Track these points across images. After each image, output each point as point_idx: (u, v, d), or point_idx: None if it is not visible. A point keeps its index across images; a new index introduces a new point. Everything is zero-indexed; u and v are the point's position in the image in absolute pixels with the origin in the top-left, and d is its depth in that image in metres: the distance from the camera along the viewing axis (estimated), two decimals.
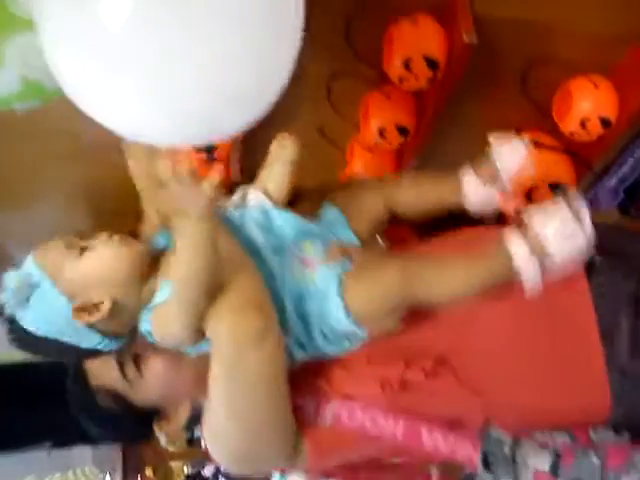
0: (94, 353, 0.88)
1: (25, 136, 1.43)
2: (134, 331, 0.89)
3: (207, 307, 0.82)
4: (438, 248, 1.02)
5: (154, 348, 0.90)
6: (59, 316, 0.84)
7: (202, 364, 0.86)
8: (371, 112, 1.46)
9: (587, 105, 1.39)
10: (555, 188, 1.51)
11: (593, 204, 1.70)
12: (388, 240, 1.06)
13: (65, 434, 2.29)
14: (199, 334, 0.83)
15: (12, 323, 0.84)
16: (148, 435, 0.97)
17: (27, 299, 0.83)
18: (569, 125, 1.41)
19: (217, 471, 4.23)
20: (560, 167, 1.53)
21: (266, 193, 0.98)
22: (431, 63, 1.28)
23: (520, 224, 0.89)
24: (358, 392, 0.90)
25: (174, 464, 4.71)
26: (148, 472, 4.47)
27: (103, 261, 0.86)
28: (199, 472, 4.42)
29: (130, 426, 0.98)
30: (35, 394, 2.28)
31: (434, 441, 0.89)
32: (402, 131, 1.47)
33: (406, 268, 0.88)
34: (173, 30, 0.61)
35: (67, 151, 1.54)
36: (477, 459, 0.89)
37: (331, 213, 1.00)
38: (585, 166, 1.54)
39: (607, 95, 1.39)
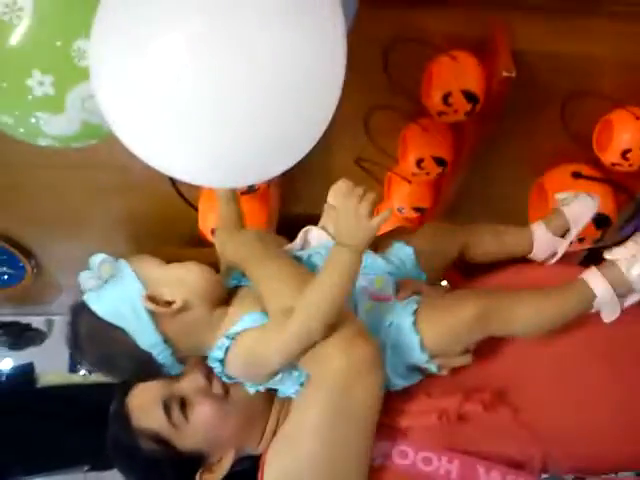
0: (146, 362, 0.86)
1: (77, 169, 1.48)
2: (185, 361, 0.90)
3: (321, 337, 0.81)
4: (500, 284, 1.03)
5: (204, 393, 0.91)
6: (129, 302, 0.84)
7: (248, 410, 0.87)
8: (409, 144, 1.47)
9: (628, 136, 1.38)
10: (596, 218, 1.50)
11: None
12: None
13: (104, 458, 2.33)
14: (287, 367, 0.84)
15: (82, 306, 0.86)
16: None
17: (105, 281, 0.85)
18: (610, 156, 1.40)
19: None
20: (602, 198, 1.51)
21: (327, 232, 1.01)
22: (470, 97, 1.29)
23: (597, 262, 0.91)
24: (415, 424, 0.89)
25: None
26: None
27: (187, 270, 0.89)
28: None
29: (170, 473, 0.96)
30: (75, 416, 2.32)
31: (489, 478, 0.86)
32: (440, 162, 1.47)
33: (483, 303, 0.88)
34: (224, 78, 0.63)
35: (115, 183, 1.58)
36: None
37: (403, 252, 1.01)
38: (627, 196, 1.52)
39: None
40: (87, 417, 2.26)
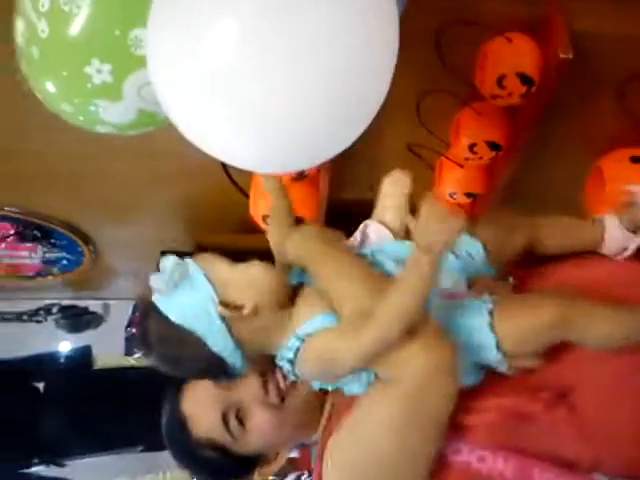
0: (215, 364, 0.88)
1: (133, 156, 1.51)
2: (252, 361, 0.91)
3: (399, 342, 0.81)
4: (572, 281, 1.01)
5: (260, 402, 0.93)
6: (200, 305, 0.85)
7: (303, 413, 0.90)
8: (462, 128, 1.45)
9: None
10: None
11: None
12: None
13: (157, 439, 2.39)
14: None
15: (152, 308, 0.86)
16: (248, 475, 1.00)
17: (176, 285, 0.85)
18: None
19: (299, 478, 4.28)
20: None
21: (385, 226, 1.01)
22: (525, 79, 1.26)
23: None
24: (476, 422, 0.88)
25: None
26: None
27: (255, 271, 0.89)
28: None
29: (230, 471, 1.00)
30: (130, 398, 2.38)
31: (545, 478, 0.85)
32: (493, 146, 1.45)
33: (564, 308, 0.86)
34: (277, 62, 0.63)
35: (170, 171, 1.61)
36: None
37: (471, 246, 1.00)
38: None
39: None
40: (141, 399, 2.32)
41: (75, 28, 0.83)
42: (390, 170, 1.68)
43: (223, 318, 0.85)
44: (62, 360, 2.68)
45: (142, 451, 2.57)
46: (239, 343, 0.87)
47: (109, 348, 2.63)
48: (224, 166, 1.48)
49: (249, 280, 0.88)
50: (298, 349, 0.86)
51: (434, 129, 1.50)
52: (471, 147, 1.44)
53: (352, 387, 0.89)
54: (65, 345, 2.76)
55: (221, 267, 0.89)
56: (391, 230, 0.99)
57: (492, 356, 0.88)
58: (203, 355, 0.86)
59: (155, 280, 0.86)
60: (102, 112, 0.90)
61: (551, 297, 0.90)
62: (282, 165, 0.79)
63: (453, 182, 1.59)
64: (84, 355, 2.64)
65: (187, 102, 0.71)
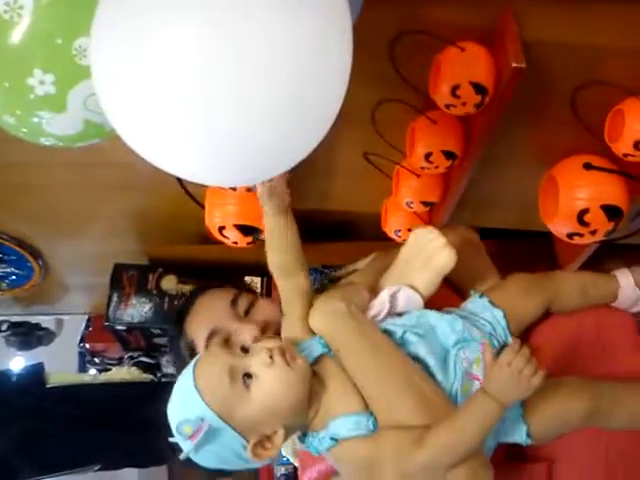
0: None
1: (82, 167, 1.48)
2: None
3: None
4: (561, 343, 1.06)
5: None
6: (233, 454, 0.85)
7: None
8: (417, 137, 1.45)
9: None
10: (608, 210, 1.47)
11: None
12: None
13: (114, 458, 2.33)
14: None
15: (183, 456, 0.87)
16: None
17: (201, 444, 0.83)
18: (622, 147, 1.38)
19: None
20: (613, 189, 1.49)
21: (416, 291, 1.01)
22: (479, 89, 1.26)
23: None
24: None
25: None
26: None
27: (273, 393, 0.85)
28: None
29: None
30: (85, 415, 2.32)
31: None
32: (449, 155, 1.45)
33: (598, 399, 0.89)
34: (223, 71, 0.62)
35: (121, 182, 1.57)
36: None
37: (492, 315, 1.00)
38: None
39: None
40: (97, 416, 2.27)
41: (16, 37, 0.80)
42: (346, 180, 1.69)
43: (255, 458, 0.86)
44: (14, 379, 2.60)
45: (99, 470, 2.50)
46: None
47: (62, 364, 2.57)
48: (178, 177, 1.46)
49: (271, 408, 0.85)
50: (330, 447, 0.86)
51: (390, 138, 1.49)
52: (427, 156, 1.44)
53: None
54: (18, 362, 2.69)
55: (239, 407, 0.85)
56: (420, 294, 1.00)
57: (520, 440, 0.91)
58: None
59: (180, 442, 0.86)
60: (46, 124, 0.87)
61: (587, 385, 0.93)
62: (234, 178, 0.77)
63: (410, 191, 1.59)
64: (37, 372, 2.56)
65: (133, 113, 0.68)
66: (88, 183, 1.61)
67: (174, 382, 2.50)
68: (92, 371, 2.51)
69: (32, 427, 2.28)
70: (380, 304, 0.99)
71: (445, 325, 0.94)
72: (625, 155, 1.40)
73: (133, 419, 2.29)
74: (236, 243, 1.46)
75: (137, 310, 1.93)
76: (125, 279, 1.92)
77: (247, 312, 1.14)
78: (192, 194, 1.49)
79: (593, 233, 1.48)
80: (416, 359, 0.91)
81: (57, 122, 0.86)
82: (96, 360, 2.51)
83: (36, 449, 2.29)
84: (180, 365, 1.12)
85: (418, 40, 1.30)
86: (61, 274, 2.01)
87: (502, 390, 0.79)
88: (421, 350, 0.91)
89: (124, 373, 2.43)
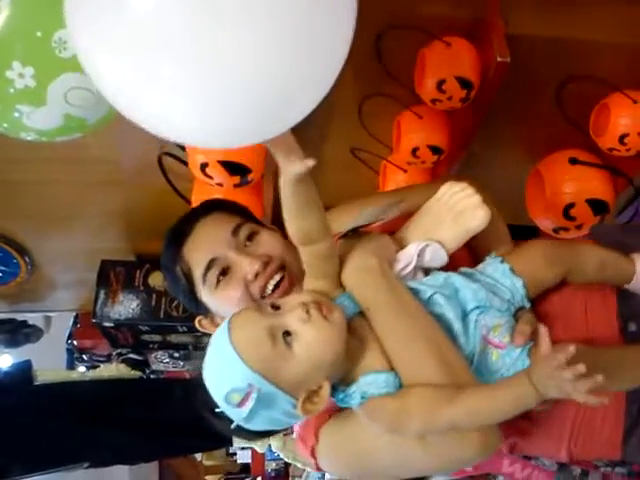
0: None
1: (68, 163, 1.47)
2: None
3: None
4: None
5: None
6: (283, 414, 0.84)
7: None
8: (403, 132, 1.45)
9: (625, 121, 1.36)
10: (593, 204, 1.48)
11: (634, 219, 1.67)
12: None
13: (103, 455, 2.32)
14: None
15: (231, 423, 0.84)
16: None
17: (250, 410, 0.81)
18: (607, 141, 1.39)
19: None
20: (599, 183, 1.50)
21: (442, 246, 0.99)
22: (464, 83, 1.27)
23: None
24: None
25: (209, 478, 4.74)
26: None
27: (316, 348, 0.83)
28: None
29: None
30: (73, 413, 2.31)
31: (512, 469, 0.96)
32: (435, 150, 1.46)
33: (601, 364, 0.86)
34: (212, 25, 0.59)
35: (107, 178, 1.56)
36: None
37: (512, 282, 0.98)
38: (625, 181, 1.51)
39: None
40: (85, 414, 2.26)
41: None
42: (333, 175, 1.69)
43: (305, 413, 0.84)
44: (1, 376, 2.59)
45: (88, 467, 2.49)
46: None
47: (50, 362, 2.55)
48: (164, 171, 1.45)
49: (314, 365, 0.83)
50: (359, 404, 0.86)
51: (377, 133, 1.50)
52: (413, 151, 1.45)
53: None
54: (5, 360, 2.67)
55: (284, 367, 0.82)
56: (447, 253, 0.98)
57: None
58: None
59: (229, 412, 0.83)
60: (26, 118, 0.86)
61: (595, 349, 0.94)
62: (226, 137, 0.73)
63: (397, 186, 1.59)
64: (24, 370, 2.55)
65: (117, 65, 0.64)
66: (75, 180, 1.60)
67: (163, 379, 2.46)
68: (81, 368, 2.49)
69: (20, 425, 2.27)
70: (407, 258, 0.96)
71: (469, 291, 0.93)
72: (610, 150, 1.41)
73: (122, 416, 2.28)
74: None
75: (124, 307, 1.92)
76: (112, 276, 1.91)
77: (249, 241, 1.06)
78: (179, 189, 1.49)
79: (579, 227, 1.49)
80: (440, 321, 0.91)
81: (37, 116, 0.85)
82: (84, 357, 2.49)
83: (24, 447, 2.27)
84: (176, 291, 1.10)
85: (404, 35, 1.30)
86: (48, 271, 2.00)
87: (545, 384, 0.78)
88: (449, 314, 0.91)
89: (112, 370, 2.42)
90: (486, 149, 1.49)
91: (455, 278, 0.94)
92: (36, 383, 2.49)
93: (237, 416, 0.82)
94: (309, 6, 0.65)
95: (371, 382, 0.85)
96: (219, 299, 1.05)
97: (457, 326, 0.90)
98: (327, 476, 2.46)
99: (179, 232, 1.09)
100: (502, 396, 0.81)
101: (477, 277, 0.97)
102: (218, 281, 1.03)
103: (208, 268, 1.02)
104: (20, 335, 2.39)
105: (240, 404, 0.80)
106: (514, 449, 1.01)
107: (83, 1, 0.65)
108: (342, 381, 0.87)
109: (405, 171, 1.55)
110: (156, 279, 1.91)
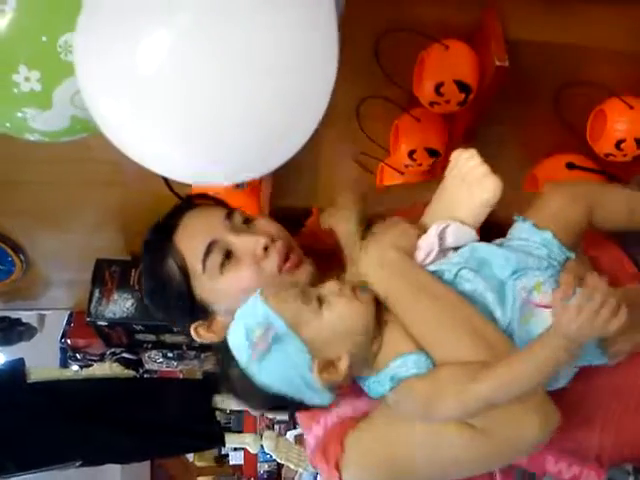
0: (310, 407, 0.86)
1: (67, 162, 1.46)
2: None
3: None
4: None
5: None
6: (297, 372, 0.80)
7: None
8: (401, 135, 1.45)
9: (622, 126, 1.37)
10: None
11: None
12: None
13: (96, 453, 2.32)
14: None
15: (236, 366, 0.81)
16: None
17: (265, 350, 0.79)
18: (604, 147, 1.39)
19: None
20: None
21: (467, 225, 0.93)
22: (463, 87, 1.27)
23: None
24: None
25: (201, 479, 4.73)
26: None
27: (344, 317, 0.82)
28: None
29: None
30: (66, 411, 2.30)
31: (558, 468, 0.89)
32: (432, 153, 1.46)
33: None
34: (209, 72, 0.61)
35: (105, 178, 1.56)
36: None
37: (540, 238, 0.91)
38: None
39: None
40: (78, 412, 2.26)
41: (0, 34, 0.79)
42: (331, 177, 1.69)
43: (319, 380, 0.81)
44: None
45: (80, 466, 2.49)
46: (332, 389, 0.83)
47: (44, 360, 2.55)
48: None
49: (340, 332, 0.81)
50: (391, 388, 0.83)
51: (374, 136, 1.50)
52: (410, 154, 1.45)
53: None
54: None
55: (310, 321, 0.81)
56: (471, 227, 0.91)
57: (597, 360, 0.86)
58: (294, 407, 0.85)
59: (237, 347, 0.81)
60: (31, 120, 0.86)
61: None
62: (220, 177, 0.77)
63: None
64: (17, 368, 2.54)
65: (118, 110, 0.68)
66: (71, 179, 1.60)
67: (156, 378, 2.46)
68: (74, 367, 2.49)
69: (12, 423, 2.26)
70: (428, 245, 0.90)
71: (499, 258, 0.87)
72: (607, 155, 1.41)
73: (114, 415, 2.28)
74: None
75: (119, 306, 1.92)
76: (107, 275, 1.91)
77: (245, 224, 0.99)
78: (177, 192, 1.49)
79: None
80: (472, 297, 0.85)
81: (43, 118, 0.85)
82: (78, 356, 2.49)
83: (17, 445, 2.27)
84: (164, 297, 0.97)
85: (403, 37, 1.30)
86: (43, 269, 1.99)
87: (575, 330, 0.71)
88: (479, 286, 0.85)
89: (106, 369, 2.42)
90: (483, 153, 1.49)
91: (481, 249, 0.89)
92: (29, 381, 2.49)
93: (251, 356, 0.79)
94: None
95: (400, 365, 0.82)
96: (226, 284, 0.94)
97: (491, 298, 0.85)
98: (319, 478, 2.47)
99: (165, 226, 1.00)
100: (534, 356, 0.75)
101: (506, 243, 0.92)
102: (222, 265, 0.93)
103: (208, 252, 0.92)
104: (13, 333, 2.39)
105: (258, 342, 0.78)
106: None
107: (94, 50, 0.67)
108: (375, 368, 0.84)
109: (402, 174, 1.55)
110: None
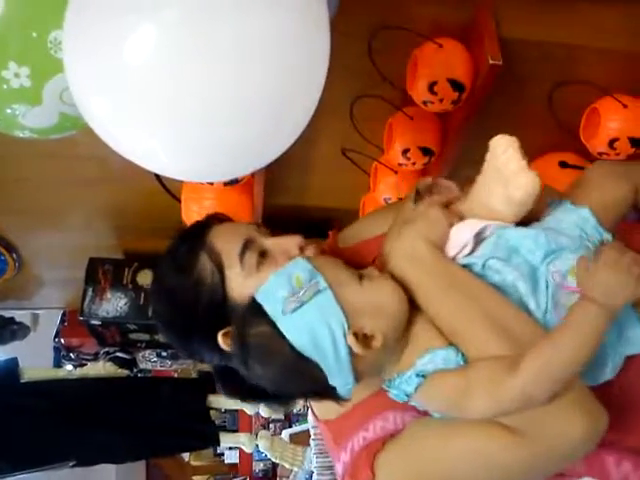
0: (327, 394, 0.78)
1: (58, 159, 1.45)
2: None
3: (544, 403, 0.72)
4: None
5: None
6: (329, 332, 0.74)
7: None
8: (395, 133, 1.45)
9: (615, 125, 1.37)
10: None
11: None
12: None
13: (89, 453, 2.31)
14: None
15: (264, 320, 0.75)
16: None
17: (304, 302, 0.74)
18: (598, 145, 1.39)
19: None
20: None
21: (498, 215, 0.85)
22: (456, 86, 1.27)
23: None
24: None
25: (197, 478, 4.72)
26: None
27: (384, 293, 0.78)
28: None
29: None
30: (59, 411, 2.29)
31: (623, 472, 0.81)
32: (426, 152, 1.46)
33: None
34: (197, 68, 0.61)
35: (97, 175, 1.55)
36: None
37: (577, 216, 0.85)
38: None
39: (636, 114, 1.37)
40: (72, 412, 2.25)
41: None
42: (324, 175, 1.69)
43: (350, 350, 0.74)
44: None
45: (74, 466, 2.48)
46: (357, 375, 0.77)
47: (37, 360, 2.53)
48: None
49: (377, 306, 0.77)
50: (419, 385, 0.77)
51: (368, 134, 1.49)
52: (404, 152, 1.45)
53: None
54: None
55: (351, 285, 0.77)
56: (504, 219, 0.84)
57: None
58: (313, 384, 0.76)
59: (279, 288, 0.75)
60: (21, 116, 0.85)
61: None
62: (207, 175, 0.76)
63: (387, 187, 1.59)
64: (10, 368, 2.53)
65: (106, 107, 0.67)
66: (64, 176, 1.59)
67: (150, 377, 2.44)
68: (68, 367, 2.48)
69: (6, 423, 2.25)
70: (462, 241, 0.84)
71: (529, 242, 0.81)
72: (600, 154, 1.41)
73: (109, 415, 2.27)
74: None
75: (112, 305, 1.91)
76: (100, 273, 1.90)
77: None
78: (168, 188, 1.48)
79: None
80: (503, 288, 0.79)
81: (32, 115, 0.85)
82: (71, 355, 2.48)
83: (11, 446, 2.26)
84: (192, 299, 0.88)
85: (396, 35, 1.30)
86: (36, 268, 1.99)
87: (606, 291, 0.68)
88: (508, 277, 0.79)
89: (99, 369, 2.41)
90: (477, 152, 1.48)
91: (509, 234, 0.83)
92: (22, 381, 2.48)
93: (285, 310, 0.74)
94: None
95: (428, 361, 0.77)
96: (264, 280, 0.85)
97: (523, 288, 0.79)
98: (315, 477, 2.46)
99: (194, 229, 0.93)
100: (568, 335, 0.70)
101: (536, 225, 0.86)
102: (259, 263, 0.87)
103: (245, 248, 0.86)
104: (6, 332, 2.37)
105: (299, 290, 0.74)
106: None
107: (83, 47, 0.67)
108: (401, 367, 0.79)
109: (396, 172, 1.55)
110: (145, 277, 1.90)
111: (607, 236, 0.84)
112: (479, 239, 0.84)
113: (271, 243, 0.90)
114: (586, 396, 0.73)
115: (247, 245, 0.87)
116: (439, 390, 0.76)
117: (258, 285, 0.81)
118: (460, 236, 0.84)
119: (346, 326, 0.74)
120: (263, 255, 0.88)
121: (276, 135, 0.71)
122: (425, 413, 0.84)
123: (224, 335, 0.89)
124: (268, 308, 0.75)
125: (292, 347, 0.74)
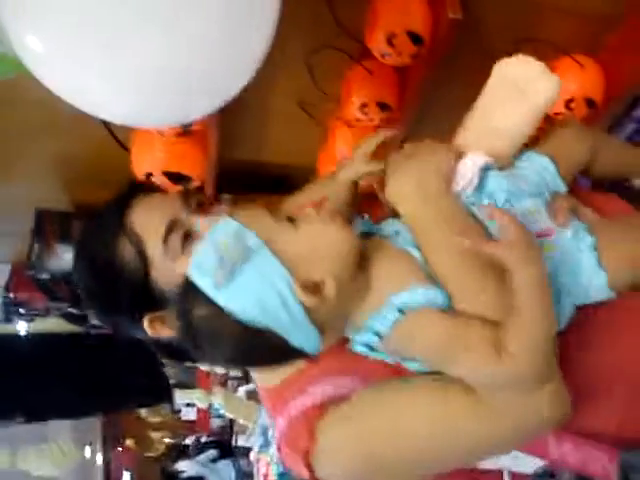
0: (294, 355, 0.72)
1: (2, 105, 1.38)
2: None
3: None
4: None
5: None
6: (275, 292, 0.67)
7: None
8: (352, 87, 1.42)
9: (572, 86, 1.37)
10: None
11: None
12: None
13: (38, 408, 2.28)
14: None
15: (202, 299, 0.68)
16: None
17: (233, 267, 0.67)
18: (556, 106, 1.39)
19: (198, 441, 4.27)
20: None
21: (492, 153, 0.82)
22: (415, 39, 1.24)
23: None
24: None
25: (154, 434, 4.74)
26: (129, 442, 4.49)
27: (325, 237, 0.71)
28: (180, 442, 4.45)
29: None
30: (6, 366, 2.25)
31: (563, 451, 0.81)
32: (383, 107, 1.44)
33: None
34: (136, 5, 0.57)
35: (43, 123, 1.48)
36: (614, 473, 0.81)
37: (537, 163, 0.85)
38: (620, 88, 1.49)
39: (593, 76, 1.37)
40: (21, 368, 2.22)
41: None
42: (280, 130, 1.65)
43: (302, 304, 0.68)
44: None
45: (22, 423, 2.45)
46: (319, 327, 0.70)
47: None
48: (103, 119, 1.39)
49: (320, 250, 0.70)
50: (397, 322, 0.71)
51: (326, 87, 1.46)
52: (362, 107, 1.42)
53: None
54: None
55: (285, 233, 0.71)
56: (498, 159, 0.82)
57: (601, 295, 0.78)
58: (275, 352, 0.70)
59: (206, 259, 0.68)
60: None
61: None
62: (155, 116, 0.73)
63: (345, 143, 1.57)
64: None
65: (44, 46, 0.63)
66: (10, 125, 1.52)
67: (105, 334, 2.41)
68: (19, 322, 2.44)
69: None
70: (468, 176, 0.80)
71: (492, 182, 0.80)
72: (556, 114, 1.41)
73: (59, 370, 2.25)
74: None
75: (62, 259, 1.86)
76: (48, 226, 1.84)
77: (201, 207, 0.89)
78: (118, 137, 1.43)
79: None
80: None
81: None
82: (22, 310, 2.43)
83: None
84: (112, 283, 0.83)
85: None
86: None
87: (524, 256, 0.67)
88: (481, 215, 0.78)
89: (51, 324, 2.37)
90: (435, 110, 1.47)
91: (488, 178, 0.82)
92: None
93: (219, 282, 0.67)
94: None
95: (407, 296, 0.72)
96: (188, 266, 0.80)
97: (493, 229, 0.77)
98: (270, 432, 2.48)
99: (116, 206, 0.87)
100: (532, 308, 0.68)
101: (507, 171, 0.84)
102: (183, 246, 0.83)
103: (169, 230, 0.82)
104: None
105: (228, 256, 0.67)
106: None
107: None
108: (370, 307, 0.73)
109: (352, 127, 1.53)
110: None
111: (563, 188, 0.85)
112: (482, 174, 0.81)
113: (196, 223, 0.84)
114: (563, 383, 0.73)
115: (171, 227, 0.83)
116: (426, 329, 0.71)
117: (185, 269, 0.73)
118: (467, 170, 0.80)
119: (292, 280, 0.68)
120: (188, 236, 0.84)
121: (224, 73, 0.68)
122: (373, 374, 0.80)
123: (150, 321, 0.85)
124: (202, 284, 0.68)
125: (239, 321, 0.67)
